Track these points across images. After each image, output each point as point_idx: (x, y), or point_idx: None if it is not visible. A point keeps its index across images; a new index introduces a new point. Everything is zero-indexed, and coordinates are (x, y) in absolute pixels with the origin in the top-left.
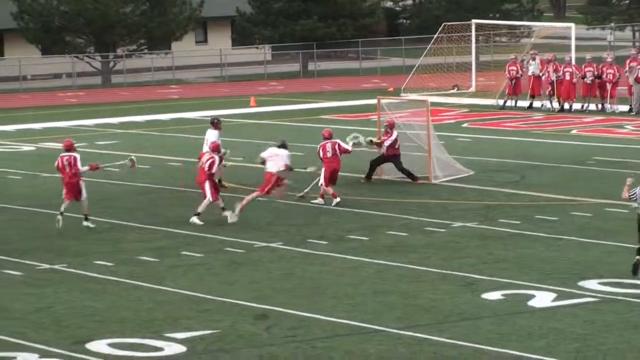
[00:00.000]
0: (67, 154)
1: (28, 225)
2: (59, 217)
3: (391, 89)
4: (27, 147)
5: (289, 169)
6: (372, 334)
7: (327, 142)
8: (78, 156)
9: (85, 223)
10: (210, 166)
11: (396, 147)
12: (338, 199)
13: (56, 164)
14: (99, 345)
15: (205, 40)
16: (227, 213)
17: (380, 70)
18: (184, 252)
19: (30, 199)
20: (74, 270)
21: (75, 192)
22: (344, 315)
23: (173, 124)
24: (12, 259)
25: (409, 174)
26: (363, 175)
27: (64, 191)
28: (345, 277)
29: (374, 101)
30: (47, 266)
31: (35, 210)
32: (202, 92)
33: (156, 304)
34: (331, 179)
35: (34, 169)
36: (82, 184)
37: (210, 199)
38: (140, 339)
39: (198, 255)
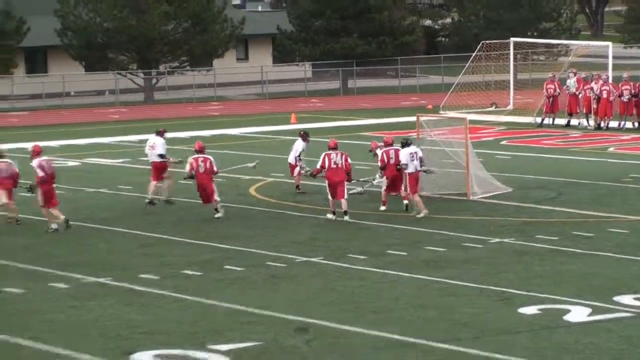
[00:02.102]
0: (201, 155)
1: (73, 239)
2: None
3: (430, 106)
4: (72, 163)
5: None
6: (410, 348)
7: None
8: (212, 158)
9: (217, 215)
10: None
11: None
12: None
13: (190, 164)
14: (145, 357)
15: (246, 58)
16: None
17: (419, 88)
18: (226, 266)
19: (76, 213)
20: (119, 284)
21: (208, 192)
22: (383, 329)
23: (214, 140)
24: (58, 272)
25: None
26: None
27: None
28: (384, 291)
29: (413, 119)
30: (93, 279)
31: (80, 224)
32: (243, 109)
33: (200, 316)
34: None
35: (79, 184)
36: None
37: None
38: (185, 350)
39: (240, 269)
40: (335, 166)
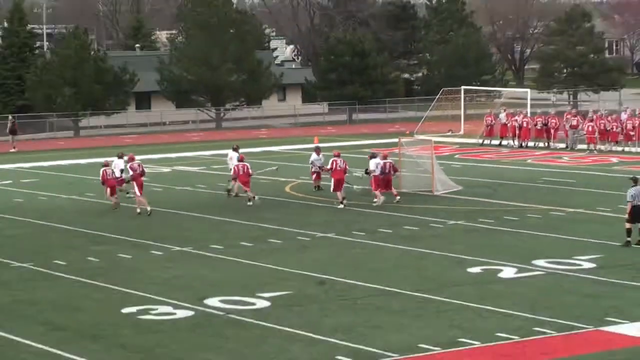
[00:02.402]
0: (241, 163)
1: (166, 220)
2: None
3: (408, 132)
4: (165, 169)
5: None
6: (394, 295)
7: (337, 159)
8: (248, 164)
9: (249, 203)
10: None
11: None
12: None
13: (235, 169)
14: (213, 301)
15: (284, 99)
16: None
17: (400, 120)
18: (269, 240)
19: (167, 204)
20: (196, 251)
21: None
22: (376, 282)
23: (262, 154)
24: (155, 243)
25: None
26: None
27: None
28: (376, 256)
29: (396, 140)
30: (178, 248)
31: (170, 211)
32: (282, 134)
33: (251, 274)
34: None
35: (170, 184)
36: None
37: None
38: (240, 297)
39: (279, 241)
40: (339, 168)
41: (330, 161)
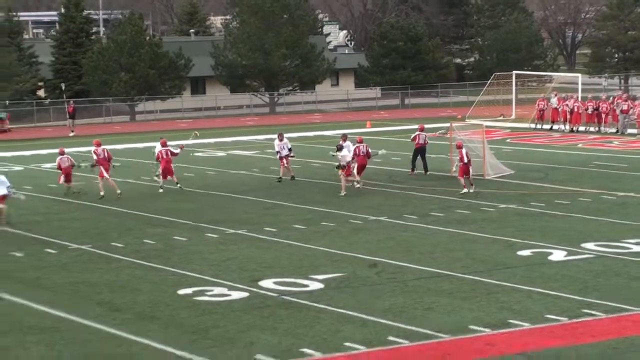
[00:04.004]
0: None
1: (220, 204)
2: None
3: (459, 116)
4: (220, 154)
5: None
6: (445, 278)
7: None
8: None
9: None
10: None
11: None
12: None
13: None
14: (267, 283)
15: (337, 84)
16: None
17: (452, 104)
18: (322, 223)
19: (221, 187)
20: (250, 234)
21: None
22: (426, 265)
23: (315, 139)
24: (210, 226)
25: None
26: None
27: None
28: (427, 239)
29: (447, 124)
30: (233, 231)
31: (224, 194)
32: (335, 118)
33: (304, 256)
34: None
35: (225, 168)
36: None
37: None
38: (294, 278)
39: (332, 224)
40: (362, 154)
41: (354, 147)
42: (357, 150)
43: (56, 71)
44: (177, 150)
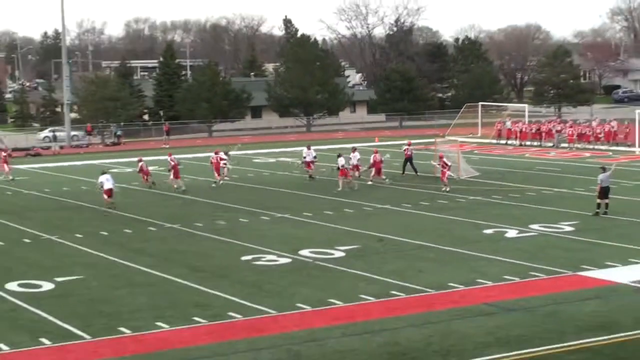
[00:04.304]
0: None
1: (271, 196)
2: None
3: (441, 134)
4: (271, 160)
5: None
6: (431, 249)
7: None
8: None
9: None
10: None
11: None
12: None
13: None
14: (305, 252)
15: (354, 111)
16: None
17: (436, 126)
18: (344, 209)
19: (272, 184)
20: (292, 217)
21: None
22: (419, 239)
23: (339, 149)
24: (264, 211)
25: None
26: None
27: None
28: (418, 222)
29: (433, 139)
30: (280, 215)
31: (274, 189)
32: (352, 135)
33: (331, 233)
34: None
35: (275, 170)
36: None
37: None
38: (324, 249)
39: (351, 210)
40: (377, 160)
41: (372, 156)
42: (374, 158)
43: (156, 102)
44: (225, 157)
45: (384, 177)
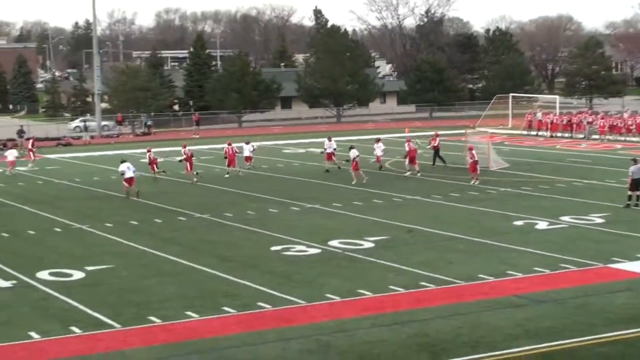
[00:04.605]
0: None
1: (300, 186)
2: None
3: (471, 125)
4: (301, 150)
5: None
6: (460, 240)
7: (410, 143)
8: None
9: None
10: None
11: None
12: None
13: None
14: (334, 242)
15: (384, 102)
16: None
17: (466, 117)
18: (373, 200)
19: (301, 175)
20: (321, 207)
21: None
22: (448, 230)
23: (368, 141)
24: (293, 202)
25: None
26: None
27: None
28: (449, 213)
29: (463, 130)
30: (309, 205)
31: (303, 180)
32: (382, 126)
33: (360, 223)
34: (413, 160)
35: (304, 160)
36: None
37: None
38: (353, 239)
39: (380, 201)
40: (412, 148)
41: (406, 144)
42: (409, 146)
43: (186, 92)
44: (250, 149)
45: (417, 167)
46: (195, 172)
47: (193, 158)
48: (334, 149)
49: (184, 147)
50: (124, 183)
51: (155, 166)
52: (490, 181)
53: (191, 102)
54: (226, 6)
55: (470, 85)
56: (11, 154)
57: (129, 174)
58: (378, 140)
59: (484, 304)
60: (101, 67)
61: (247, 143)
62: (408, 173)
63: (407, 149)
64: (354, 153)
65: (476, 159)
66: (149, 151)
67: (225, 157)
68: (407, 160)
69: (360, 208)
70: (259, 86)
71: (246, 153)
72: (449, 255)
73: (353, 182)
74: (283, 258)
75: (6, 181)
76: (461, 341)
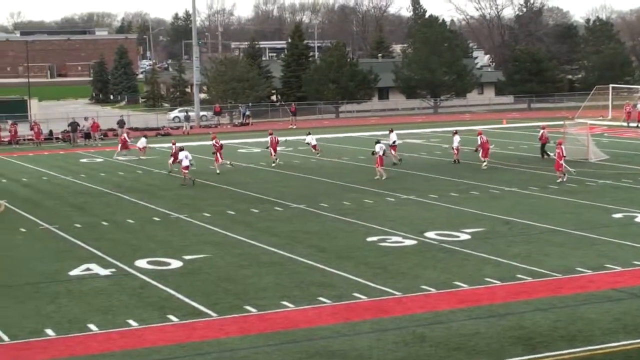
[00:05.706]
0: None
1: (398, 177)
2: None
3: (571, 117)
4: (399, 141)
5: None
6: (558, 232)
7: (482, 136)
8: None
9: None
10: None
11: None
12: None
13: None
14: (430, 234)
15: (482, 92)
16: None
17: (565, 108)
18: (470, 191)
19: (403, 165)
20: (418, 199)
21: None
22: (546, 222)
23: (466, 132)
24: (389, 193)
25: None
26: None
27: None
28: (545, 205)
29: (562, 122)
30: (405, 197)
31: (400, 170)
32: (480, 117)
33: (457, 215)
34: (486, 152)
35: (402, 151)
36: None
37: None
38: (449, 231)
39: (476, 193)
40: (484, 141)
41: (479, 137)
42: (481, 139)
43: (284, 83)
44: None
45: (487, 159)
46: (228, 162)
47: (222, 150)
48: (393, 142)
49: (214, 138)
50: (183, 170)
51: (175, 161)
52: (589, 173)
53: (279, 96)
54: None
55: (570, 76)
56: (141, 143)
57: (185, 162)
58: (455, 132)
59: (581, 297)
60: (200, 57)
61: (309, 134)
62: (485, 166)
63: (479, 141)
64: (379, 147)
65: (564, 154)
66: (174, 144)
67: (267, 148)
68: (480, 153)
69: (456, 199)
70: (356, 77)
71: (313, 142)
72: (546, 248)
73: (376, 178)
74: (379, 249)
75: (107, 170)
76: (558, 335)
